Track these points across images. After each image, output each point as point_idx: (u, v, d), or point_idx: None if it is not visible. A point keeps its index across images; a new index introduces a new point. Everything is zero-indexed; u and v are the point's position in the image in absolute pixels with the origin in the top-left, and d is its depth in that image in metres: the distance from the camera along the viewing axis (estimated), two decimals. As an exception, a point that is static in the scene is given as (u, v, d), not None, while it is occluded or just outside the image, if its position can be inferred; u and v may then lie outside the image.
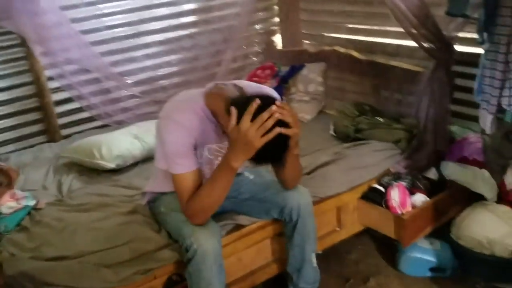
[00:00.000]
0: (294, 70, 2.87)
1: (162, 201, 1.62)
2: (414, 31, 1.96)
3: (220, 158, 1.47)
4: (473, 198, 2.00)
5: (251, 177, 1.74)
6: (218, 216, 1.61)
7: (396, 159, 2.14)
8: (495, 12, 1.79)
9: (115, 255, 1.49)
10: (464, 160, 2.13)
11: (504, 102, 1.83)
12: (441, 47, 2.03)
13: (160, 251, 1.53)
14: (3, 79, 2.49)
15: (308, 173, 1.96)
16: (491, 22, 1.82)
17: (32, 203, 1.80)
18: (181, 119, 1.41)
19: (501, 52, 1.80)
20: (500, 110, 1.88)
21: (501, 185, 2.02)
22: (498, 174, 2.04)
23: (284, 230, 1.72)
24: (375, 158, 2.11)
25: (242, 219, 1.70)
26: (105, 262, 1.46)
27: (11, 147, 2.54)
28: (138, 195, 1.81)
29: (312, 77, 2.80)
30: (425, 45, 2.01)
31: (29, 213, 1.76)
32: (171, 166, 1.42)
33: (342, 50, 2.69)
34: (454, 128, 2.29)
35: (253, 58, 3.25)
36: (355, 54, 2.60)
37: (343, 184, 1.95)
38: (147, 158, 2.20)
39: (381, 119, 2.31)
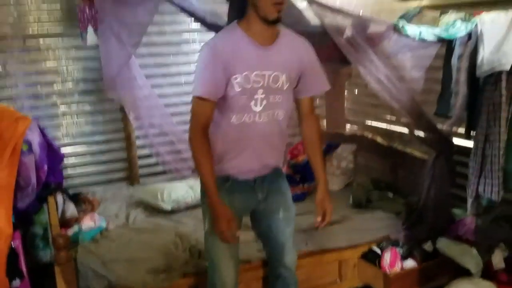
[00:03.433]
0: (331, 147, 3.38)
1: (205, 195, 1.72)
2: (411, 127, 2.41)
3: (260, 90, 1.57)
4: (460, 272, 2.28)
5: (281, 215, 1.82)
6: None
7: (397, 228, 2.51)
8: (475, 113, 2.21)
9: (153, 263, 2.06)
10: (458, 238, 2.43)
11: (480, 189, 2.18)
12: (439, 140, 2.44)
13: (186, 266, 2.07)
14: (103, 134, 3.30)
15: (316, 228, 2.41)
16: (474, 122, 2.23)
17: (104, 224, 2.46)
18: (212, 43, 1.57)
19: (479, 147, 2.18)
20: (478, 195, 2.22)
21: (488, 264, 2.29)
22: (486, 254, 2.32)
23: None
24: (377, 224, 2.50)
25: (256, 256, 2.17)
26: (147, 267, 2.03)
27: (100, 186, 3.30)
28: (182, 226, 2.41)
29: (344, 155, 3.29)
30: (425, 137, 2.44)
31: (101, 232, 2.41)
32: (194, 87, 1.56)
33: (369, 135, 3.18)
34: (456, 211, 2.61)
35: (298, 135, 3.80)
36: (379, 139, 3.08)
37: (343, 241, 2.37)
38: (197, 205, 2.79)
39: (391, 194, 2.71)
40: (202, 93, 1.53)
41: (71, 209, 2.57)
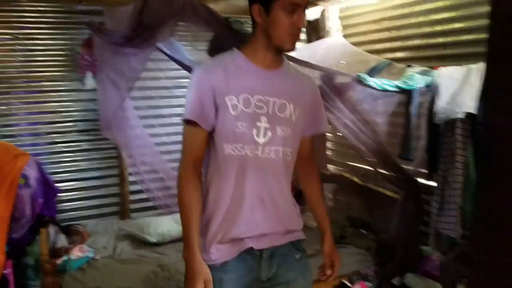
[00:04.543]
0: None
1: None
2: (379, 168, 2.61)
3: (263, 117, 1.36)
4: (426, 305, 2.42)
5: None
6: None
7: (368, 263, 2.65)
8: (435, 157, 2.41)
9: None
10: (425, 274, 2.58)
11: (441, 226, 2.35)
12: (405, 181, 2.62)
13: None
14: (98, 171, 3.51)
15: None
16: (434, 164, 2.43)
17: (91, 255, 2.62)
18: (203, 65, 1.45)
19: (439, 188, 2.37)
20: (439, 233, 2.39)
21: (452, 298, 2.43)
22: (450, 288, 2.46)
23: None
24: (349, 259, 2.65)
25: None
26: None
27: (93, 220, 3.47)
28: (165, 258, 2.56)
29: (324, 194, 3.46)
30: (392, 177, 2.63)
31: (88, 261, 2.57)
32: (184, 112, 1.37)
33: (347, 175, 3.37)
34: (425, 247, 2.76)
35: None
36: (355, 179, 3.26)
37: (316, 274, 2.50)
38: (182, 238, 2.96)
39: (364, 231, 2.87)
40: (189, 116, 1.34)
41: (62, 240, 2.74)
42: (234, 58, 1.40)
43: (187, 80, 3.45)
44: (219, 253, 1.37)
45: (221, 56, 1.43)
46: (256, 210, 1.38)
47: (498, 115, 1.08)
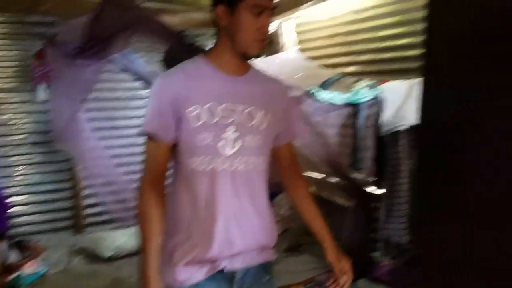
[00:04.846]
0: (272, 196, 3.62)
1: None
2: (331, 177, 2.70)
3: (231, 127, 1.27)
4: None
5: None
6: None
7: (323, 270, 2.72)
8: (382, 166, 2.52)
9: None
10: (376, 279, 2.67)
11: (388, 232, 2.46)
12: (356, 189, 2.72)
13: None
14: (51, 184, 3.43)
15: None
16: (382, 173, 2.54)
17: (44, 270, 2.56)
18: (163, 74, 1.34)
19: (386, 196, 2.48)
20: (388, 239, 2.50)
21: (402, 303, 2.52)
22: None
23: None
24: (306, 266, 2.72)
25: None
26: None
27: (46, 234, 3.38)
28: (120, 272, 2.53)
29: (283, 203, 3.53)
30: (343, 186, 2.73)
31: (41, 277, 2.50)
32: (143, 123, 1.28)
33: (303, 185, 3.45)
34: (376, 254, 2.86)
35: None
36: (311, 188, 3.34)
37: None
38: (138, 252, 2.93)
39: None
40: (147, 128, 1.26)
41: (14, 256, 2.65)
42: (197, 65, 1.30)
43: (143, 91, 3.48)
44: (188, 274, 1.27)
45: (183, 63, 1.33)
46: (230, 228, 1.28)
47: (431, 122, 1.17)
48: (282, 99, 1.42)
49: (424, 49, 1.27)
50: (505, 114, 1.06)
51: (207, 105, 1.25)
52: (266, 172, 1.38)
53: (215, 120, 1.25)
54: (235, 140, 1.27)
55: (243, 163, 1.29)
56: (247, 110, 1.30)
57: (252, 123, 1.30)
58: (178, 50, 2.25)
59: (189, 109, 1.24)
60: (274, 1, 1.27)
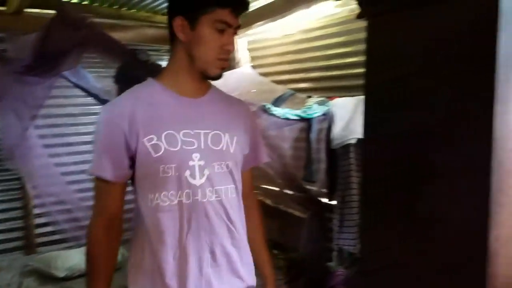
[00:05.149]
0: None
1: None
2: (287, 189, 2.78)
3: (196, 154, 1.15)
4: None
5: None
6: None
7: (278, 282, 2.77)
8: (334, 178, 2.62)
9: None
10: (331, 288, 2.75)
11: (341, 242, 2.55)
12: (310, 201, 2.82)
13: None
14: (1, 203, 3.30)
15: None
16: (334, 185, 2.64)
17: (-6, 293, 2.46)
18: (109, 104, 1.18)
19: (338, 207, 2.58)
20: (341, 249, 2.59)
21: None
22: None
23: None
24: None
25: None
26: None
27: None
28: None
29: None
30: (298, 198, 2.81)
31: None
32: (91, 164, 1.15)
33: (260, 197, 3.50)
34: (331, 264, 2.95)
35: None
36: (267, 201, 3.41)
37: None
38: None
39: (275, 251, 3.00)
40: (95, 171, 1.14)
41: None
42: (150, 90, 1.17)
43: (95, 106, 3.42)
44: None
45: (133, 88, 1.19)
46: (205, 268, 1.17)
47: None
48: (246, 120, 1.33)
49: (364, 68, 1.37)
50: (442, 127, 1.16)
51: (166, 133, 1.13)
52: (241, 198, 1.28)
53: (177, 148, 1.13)
54: (202, 168, 1.16)
55: (215, 192, 1.18)
56: (210, 135, 1.19)
57: (217, 148, 1.20)
58: (132, 66, 2.26)
59: (146, 139, 1.11)
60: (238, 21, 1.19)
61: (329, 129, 2.54)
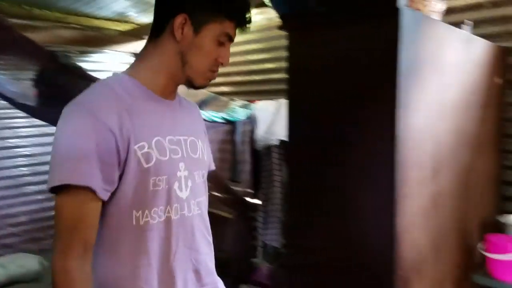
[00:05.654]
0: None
1: None
2: (214, 191, 2.85)
3: (181, 163, 1.02)
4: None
5: None
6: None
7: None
8: (258, 178, 2.76)
9: None
10: (256, 284, 2.88)
11: (265, 238, 2.70)
12: (236, 201, 2.92)
13: None
14: None
15: None
16: (258, 184, 2.78)
17: None
18: (83, 100, 0.94)
19: (263, 205, 2.72)
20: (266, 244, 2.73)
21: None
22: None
23: None
24: None
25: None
26: None
27: None
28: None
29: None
30: (224, 199, 2.90)
31: None
32: (52, 175, 0.89)
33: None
34: (256, 259, 3.08)
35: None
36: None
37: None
38: (8, 284, 2.72)
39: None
40: (78, 179, 0.88)
41: None
42: (126, 86, 0.99)
43: (10, 110, 3.22)
44: None
45: (104, 84, 0.99)
46: (189, 286, 1.06)
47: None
48: (202, 124, 1.22)
49: (286, 75, 1.51)
50: (353, 129, 1.33)
51: (156, 139, 0.98)
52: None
53: (167, 157, 0.99)
54: (186, 179, 1.03)
55: (197, 205, 1.07)
56: (188, 141, 1.07)
57: (196, 156, 1.08)
58: (52, 69, 2.20)
59: (137, 146, 0.94)
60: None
61: (252, 131, 2.67)
